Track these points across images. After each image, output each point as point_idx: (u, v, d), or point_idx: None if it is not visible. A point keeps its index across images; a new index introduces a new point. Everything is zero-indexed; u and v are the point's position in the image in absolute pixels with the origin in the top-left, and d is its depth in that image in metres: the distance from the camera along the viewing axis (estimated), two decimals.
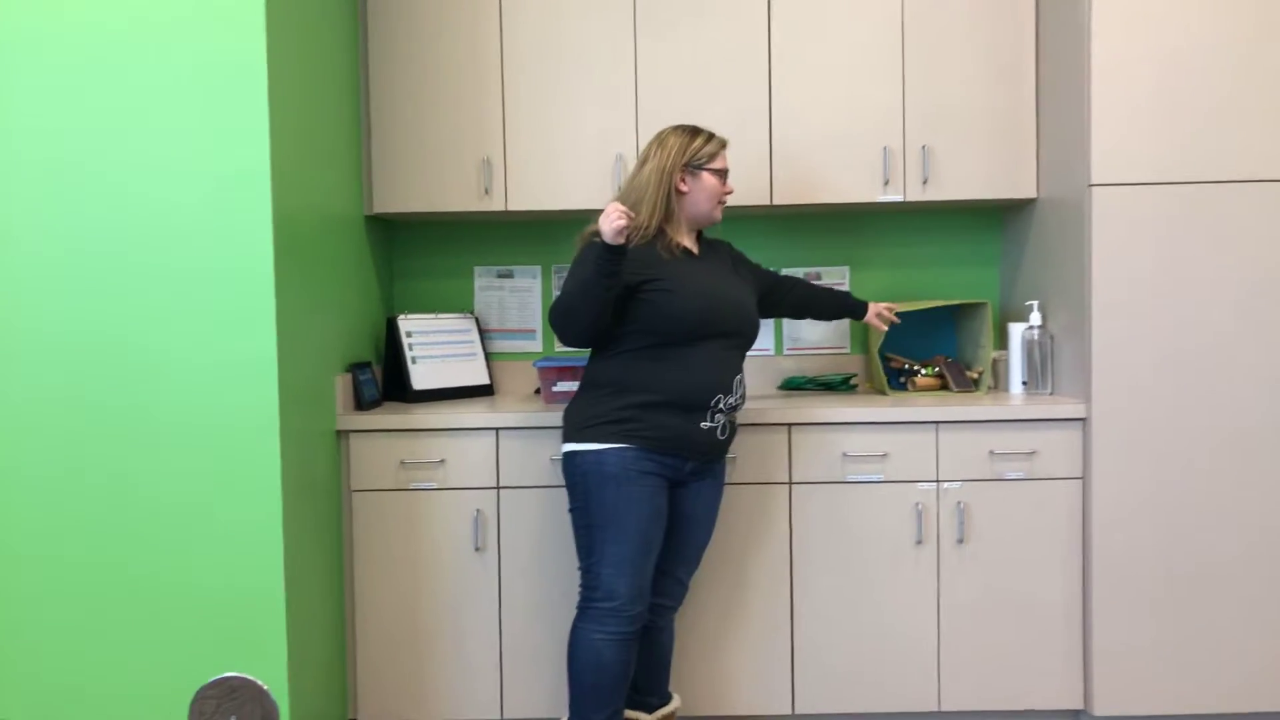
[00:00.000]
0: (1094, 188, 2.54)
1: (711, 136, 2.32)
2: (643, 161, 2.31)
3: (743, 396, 2.33)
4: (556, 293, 3.19)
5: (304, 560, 2.38)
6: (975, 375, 2.89)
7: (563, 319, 2.18)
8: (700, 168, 2.28)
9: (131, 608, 2.25)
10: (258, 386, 2.24)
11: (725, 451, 2.36)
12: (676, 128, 2.32)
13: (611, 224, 2.02)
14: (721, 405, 2.24)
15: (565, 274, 2.24)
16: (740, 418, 2.52)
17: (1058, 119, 2.73)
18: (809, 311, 2.72)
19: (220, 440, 2.24)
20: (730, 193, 2.37)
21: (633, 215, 2.07)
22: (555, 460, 2.60)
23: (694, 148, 2.28)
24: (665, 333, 2.20)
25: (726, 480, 2.49)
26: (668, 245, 2.26)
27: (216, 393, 2.23)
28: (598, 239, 2.09)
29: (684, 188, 2.29)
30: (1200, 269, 2.54)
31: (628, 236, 2.06)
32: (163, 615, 2.26)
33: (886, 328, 2.74)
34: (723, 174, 2.33)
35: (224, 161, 2.21)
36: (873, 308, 2.71)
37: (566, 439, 2.28)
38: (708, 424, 2.23)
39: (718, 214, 2.35)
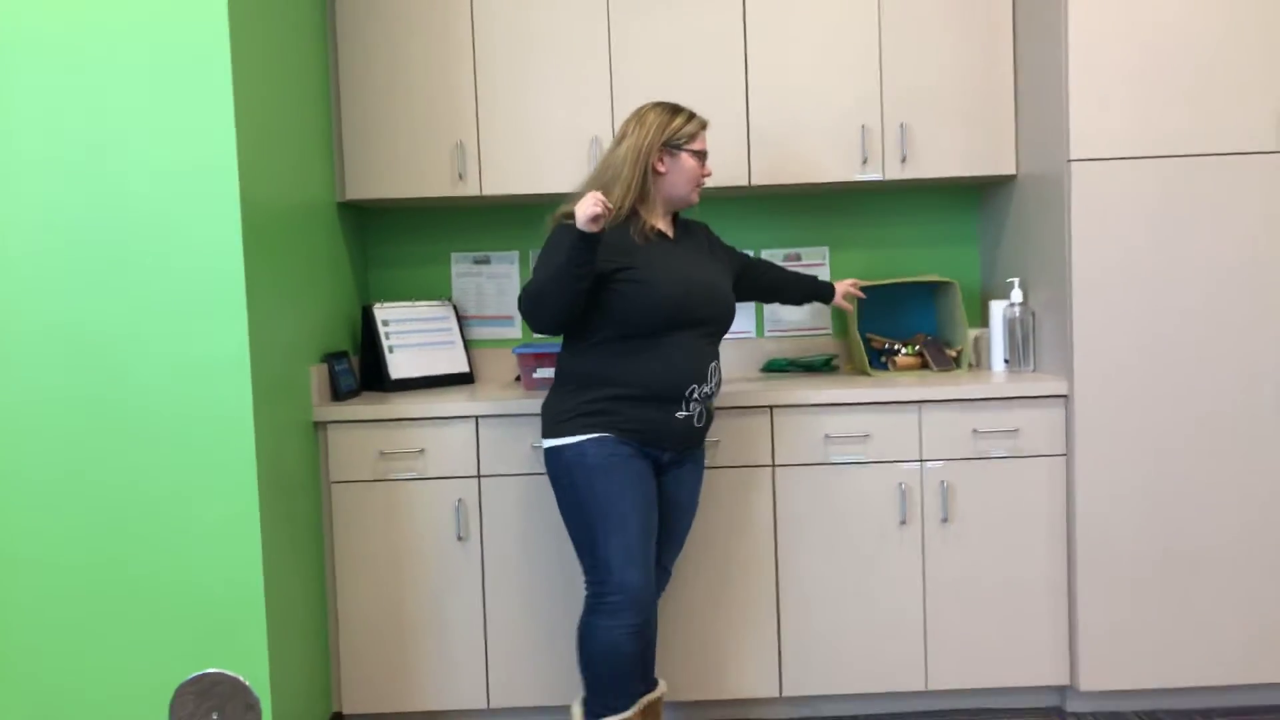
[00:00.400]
0: (1073, 163, 2.52)
1: (692, 116, 2.23)
2: (620, 138, 2.22)
3: (718, 383, 2.28)
4: None
5: (283, 554, 2.35)
6: (955, 354, 2.88)
7: (533, 306, 2.11)
8: (679, 148, 2.21)
9: (109, 605, 2.22)
10: (230, 380, 2.20)
11: (703, 437, 2.33)
12: (656, 104, 2.24)
13: (587, 211, 1.94)
14: (696, 395, 2.19)
15: (539, 260, 2.17)
16: (721, 400, 2.51)
17: (1036, 95, 2.71)
18: (778, 296, 2.66)
19: (194, 435, 2.20)
20: (708, 175, 2.30)
21: (610, 206, 1.99)
22: (537, 447, 2.58)
23: (674, 127, 2.20)
24: (637, 324, 2.14)
25: (709, 464, 2.48)
26: (641, 229, 2.19)
27: (188, 387, 2.19)
28: (570, 222, 2.03)
29: (661, 168, 2.21)
30: (1182, 244, 2.53)
31: (603, 224, 1.99)
32: (141, 613, 2.22)
33: (853, 306, 2.73)
34: (702, 156, 2.25)
35: (189, 151, 2.16)
36: (839, 287, 2.68)
37: (545, 434, 2.23)
38: (683, 413, 2.19)
39: (694, 197, 2.27)
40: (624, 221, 2.18)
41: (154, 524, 2.21)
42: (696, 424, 2.23)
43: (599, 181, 2.19)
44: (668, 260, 2.20)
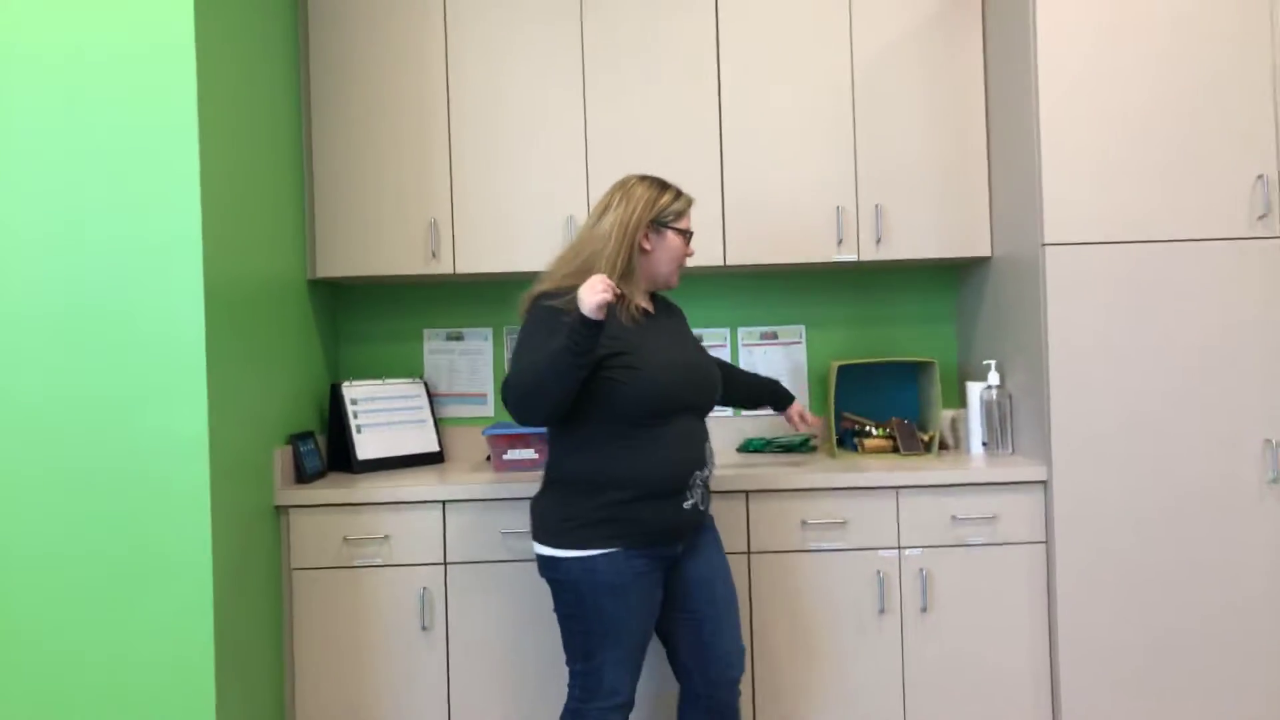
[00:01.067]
0: (1047, 247, 2.52)
1: (680, 194, 2.13)
2: (602, 211, 2.09)
3: (714, 461, 2.16)
4: (509, 355, 3.14)
5: (238, 643, 2.26)
6: (927, 438, 2.85)
7: (525, 399, 1.91)
8: (666, 226, 2.09)
9: (51, 689, 2.12)
10: (187, 462, 2.14)
11: (706, 515, 2.17)
12: (643, 178, 2.12)
13: (596, 297, 1.78)
14: (698, 480, 2.06)
15: (515, 344, 2.03)
16: None
17: (1009, 178, 2.72)
18: (730, 397, 2.51)
19: (147, 520, 2.13)
20: (691, 255, 2.20)
21: (618, 291, 1.87)
22: (506, 533, 2.51)
23: (662, 204, 2.08)
24: (635, 414, 1.98)
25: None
26: (628, 310, 2.04)
27: (143, 469, 2.13)
28: (552, 305, 1.94)
29: (647, 246, 2.08)
30: (1156, 327, 2.52)
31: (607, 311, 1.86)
32: (85, 699, 2.12)
33: (802, 429, 2.75)
34: (687, 235, 2.15)
35: (151, 224, 2.14)
36: (794, 407, 2.55)
37: (541, 541, 2.04)
38: (690, 502, 2.04)
39: (674, 279, 2.16)
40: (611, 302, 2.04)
41: (99, 613, 2.13)
42: (701, 508, 2.09)
43: (579, 256, 2.07)
44: (658, 342, 2.07)
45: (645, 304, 2.14)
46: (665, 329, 2.15)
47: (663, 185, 2.12)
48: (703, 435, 2.10)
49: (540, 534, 2.06)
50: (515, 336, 3.12)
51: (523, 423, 1.96)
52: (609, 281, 1.82)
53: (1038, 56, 2.52)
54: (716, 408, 2.97)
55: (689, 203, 2.16)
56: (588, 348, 1.85)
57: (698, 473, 2.06)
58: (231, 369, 2.28)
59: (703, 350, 2.23)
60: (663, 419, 2.00)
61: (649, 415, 1.99)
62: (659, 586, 2.07)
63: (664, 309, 2.24)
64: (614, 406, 1.97)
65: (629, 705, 2.06)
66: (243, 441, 2.34)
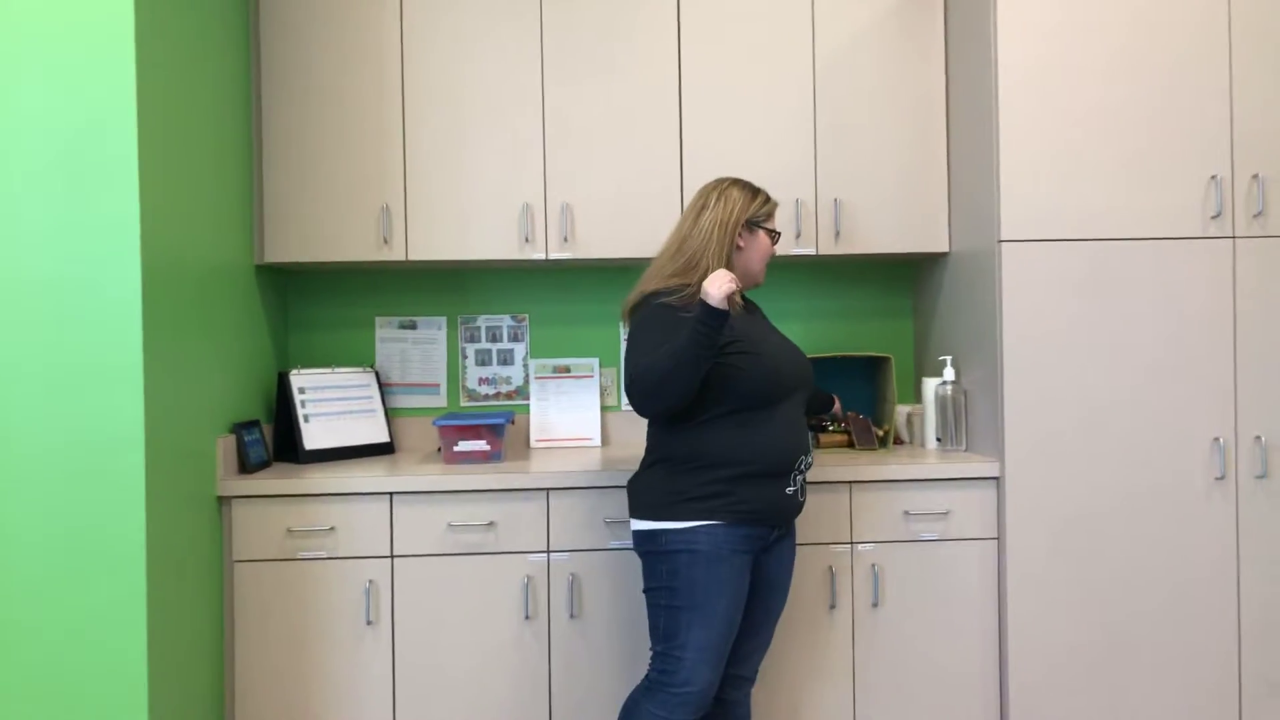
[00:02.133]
0: (1003, 243, 2.52)
1: (769, 197, 2.22)
2: (699, 210, 2.16)
3: (812, 452, 2.21)
4: (466, 344, 3.10)
5: (174, 639, 2.19)
6: (881, 433, 2.84)
7: (655, 390, 1.96)
8: (759, 225, 2.19)
9: None
10: (122, 450, 2.07)
11: (800, 511, 2.21)
12: (736, 181, 2.19)
13: (723, 288, 1.88)
14: (802, 465, 2.12)
15: (631, 341, 2.05)
16: None
17: (967, 175, 2.71)
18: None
19: (82, 507, 2.06)
20: (774, 255, 2.27)
21: (739, 283, 1.98)
22: (454, 526, 2.46)
23: (757, 205, 2.18)
24: (747, 396, 2.04)
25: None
26: (733, 303, 2.11)
27: (77, 456, 2.06)
28: (670, 302, 2.02)
29: (741, 244, 2.17)
30: (1110, 325, 2.53)
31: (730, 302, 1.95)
32: (12, 695, 2.05)
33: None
34: (775, 235, 2.23)
35: (89, 207, 2.06)
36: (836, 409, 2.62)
37: (642, 515, 2.09)
38: (792, 489, 2.10)
39: (763, 276, 2.24)
40: None
41: (28, 608, 2.05)
42: (800, 498, 2.15)
43: (683, 255, 2.13)
44: (762, 331, 2.16)
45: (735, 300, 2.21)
46: (761, 321, 2.26)
47: (754, 188, 2.21)
48: (804, 423, 2.18)
49: (642, 509, 2.11)
50: (472, 324, 3.09)
51: (649, 414, 2.03)
52: (731, 274, 1.91)
53: (997, 54, 2.52)
54: None
55: (776, 205, 2.25)
56: (715, 338, 1.92)
57: (803, 457, 2.12)
58: (171, 355, 2.21)
59: (788, 339, 2.30)
60: (774, 402, 2.08)
61: (764, 399, 2.06)
62: (748, 574, 2.10)
63: (753, 306, 2.34)
64: (732, 390, 2.04)
65: (701, 703, 2.05)
66: (183, 430, 2.27)
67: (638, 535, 2.12)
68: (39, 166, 2.05)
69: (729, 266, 2.14)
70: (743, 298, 2.27)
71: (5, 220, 2.05)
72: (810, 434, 2.16)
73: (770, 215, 2.22)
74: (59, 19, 2.05)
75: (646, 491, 2.12)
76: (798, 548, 2.51)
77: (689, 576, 2.03)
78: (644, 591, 2.13)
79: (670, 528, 2.06)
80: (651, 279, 2.14)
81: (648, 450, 2.17)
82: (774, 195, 2.78)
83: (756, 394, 2.05)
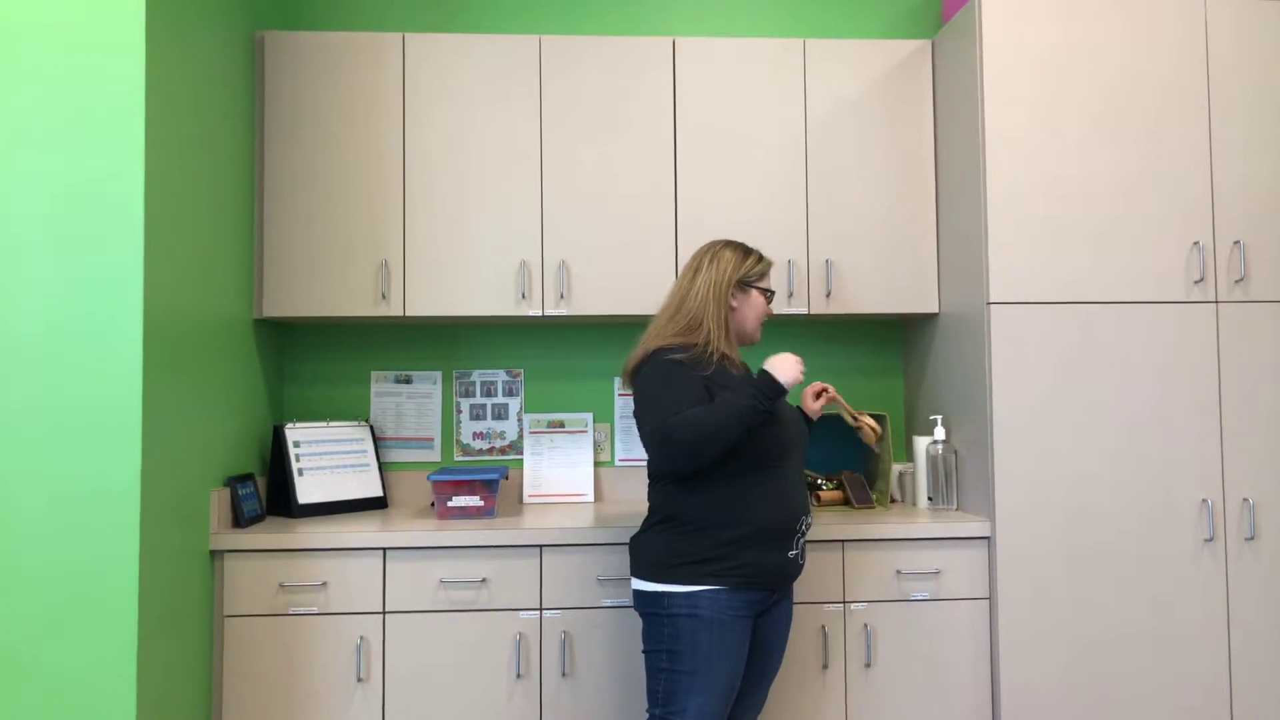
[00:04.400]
0: (992, 305, 2.56)
1: (761, 257, 2.26)
2: (694, 272, 2.21)
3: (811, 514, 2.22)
4: (461, 399, 3.12)
5: (163, 694, 2.18)
6: (877, 495, 2.86)
7: (692, 449, 1.97)
8: (751, 285, 2.22)
9: None
10: (118, 503, 2.08)
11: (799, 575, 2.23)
12: (729, 243, 2.24)
13: (793, 373, 2.02)
14: (803, 527, 2.12)
15: (641, 396, 2.08)
16: None
17: (956, 238, 2.77)
18: None
19: (75, 560, 2.06)
20: (770, 314, 2.29)
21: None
22: (447, 583, 2.46)
23: (748, 265, 2.22)
24: (751, 456, 2.06)
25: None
26: (734, 363, 2.16)
27: (72, 508, 2.06)
28: (677, 359, 2.07)
29: (734, 304, 2.21)
30: (1096, 387, 2.57)
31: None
32: None
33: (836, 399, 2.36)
34: (769, 294, 2.26)
35: (93, 261, 2.09)
36: (808, 396, 2.36)
37: (644, 576, 2.09)
38: (794, 551, 2.10)
39: (758, 334, 2.27)
40: (714, 356, 2.13)
41: (19, 658, 2.04)
42: (800, 561, 2.15)
43: (683, 314, 2.18)
44: None
45: (736, 360, 2.23)
46: None
47: (746, 249, 2.26)
48: (803, 483, 2.19)
49: (644, 570, 2.11)
50: (468, 379, 3.11)
51: (676, 470, 2.02)
52: (800, 360, 2.05)
53: (984, 123, 2.59)
54: None
55: (769, 265, 2.29)
56: (769, 413, 2.01)
57: (803, 518, 2.13)
58: (169, 408, 2.23)
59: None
60: (777, 463, 2.10)
61: (769, 459, 2.08)
62: (749, 638, 2.09)
63: (745, 365, 2.34)
64: (740, 451, 2.06)
65: None
66: (178, 483, 2.27)
67: (639, 595, 2.12)
68: (45, 217, 2.08)
69: (725, 326, 2.18)
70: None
71: (9, 270, 2.07)
72: (809, 494, 2.18)
73: (763, 275, 2.25)
74: (71, 71, 2.10)
75: (649, 551, 2.11)
76: (794, 607, 2.51)
77: (691, 641, 2.02)
78: (644, 653, 2.12)
79: (673, 590, 2.05)
80: (653, 338, 2.16)
81: (651, 509, 2.16)
82: (767, 255, 2.84)
83: (763, 454, 2.07)
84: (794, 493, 2.11)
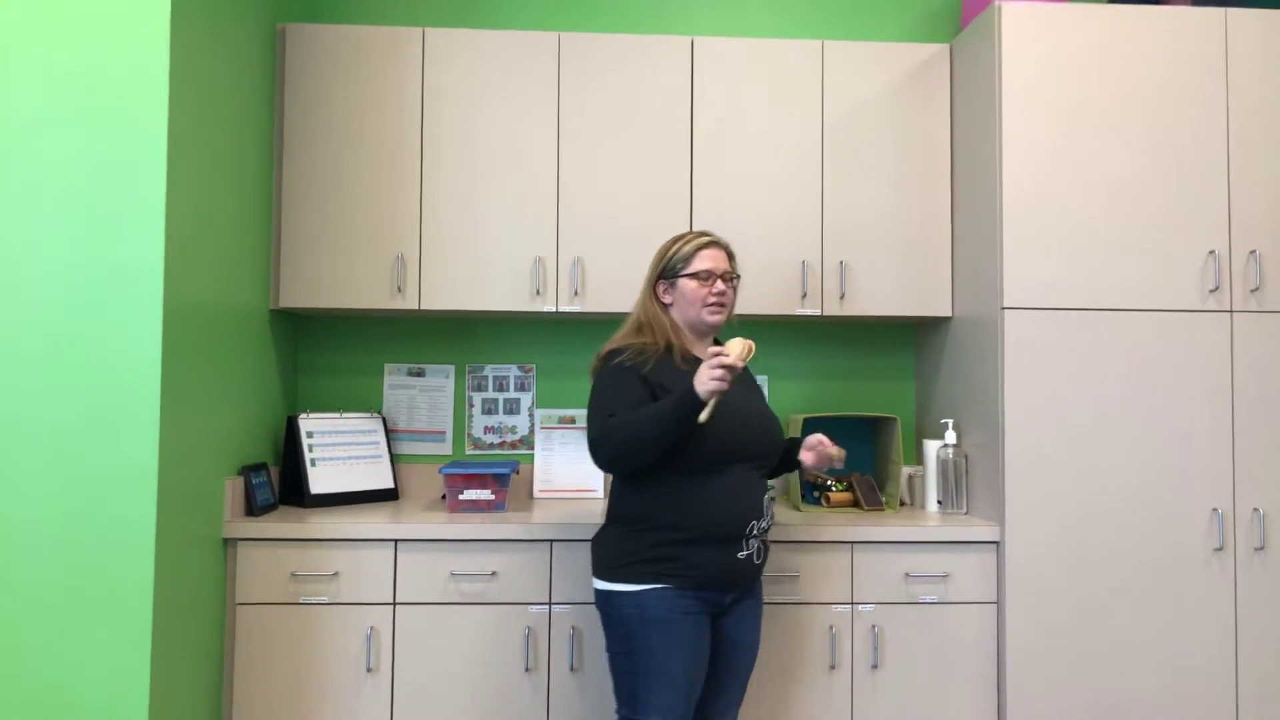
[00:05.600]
0: (1006, 310, 2.57)
1: (692, 238, 2.18)
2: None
3: (772, 516, 2.17)
4: (472, 393, 3.13)
5: (176, 679, 2.20)
6: (886, 498, 2.86)
7: (625, 454, 1.98)
8: (676, 275, 2.17)
9: None
10: (136, 489, 2.10)
11: (761, 573, 2.20)
12: (675, 236, 2.22)
13: (710, 385, 1.87)
14: (755, 530, 2.08)
15: (591, 399, 2.10)
16: None
17: (971, 241, 2.77)
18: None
19: (92, 545, 2.08)
20: (720, 293, 2.16)
21: (725, 376, 1.88)
22: (457, 575, 2.48)
23: (667, 256, 2.18)
24: (695, 458, 2.03)
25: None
26: (683, 357, 2.13)
27: (91, 494, 2.08)
28: (620, 361, 2.07)
29: (667, 299, 2.19)
30: (1108, 394, 2.57)
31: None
32: None
33: (825, 466, 2.24)
34: (702, 275, 2.15)
35: (114, 250, 2.11)
36: (809, 441, 2.25)
37: (599, 575, 2.10)
38: (744, 552, 2.07)
39: (709, 317, 2.16)
40: (666, 354, 2.12)
41: (35, 642, 2.06)
42: (756, 561, 2.11)
43: (634, 312, 2.21)
44: (724, 395, 2.04)
45: (701, 354, 2.19)
46: (734, 384, 2.13)
47: (677, 237, 2.22)
48: (763, 487, 2.14)
49: (598, 569, 2.12)
50: (479, 374, 3.12)
51: (615, 470, 2.04)
52: (725, 369, 1.87)
53: (1002, 129, 2.59)
54: None
55: (700, 244, 2.18)
56: (692, 421, 1.92)
57: (755, 522, 2.08)
58: (187, 396, 2.24)
59: (764, 402, 2.26)
60: (723, 465, 2.06)
61: (711, 459, 2.04)
62: (707, 633, 2.08)
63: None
64: (680, 453, 2.02)
65: None
66: (194, 471, 2.29)
67: (596, 594, 2.13)
68: (68, 206, 2.10)
69: (671, 323, 2.17)
70: (716, 341, 2.27)
71: (31, 258, 2.09)
72: (766, 497, 2.12)
73: (689, 258, 2.16)
74: (94, 64, 2.11)
75: (603, 550, 2.12)
76: (801, 606, 2.53)
77: (644, 640, 2.02)
78: (607, 652, 2.12)
79: (622, 589, 2.05)
80: (613, 340, 2.17)
81: (608, 506, 2.17)
82: (781, 256, 2.85)
83: (707, 456, 2.03)
84: (742, 496, 2.07)
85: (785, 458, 2.31)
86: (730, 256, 2.23)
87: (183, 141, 2.20)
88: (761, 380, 3.20)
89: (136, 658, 2.08)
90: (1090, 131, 2.61)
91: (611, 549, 2.10)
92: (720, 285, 2.17)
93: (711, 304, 2.16)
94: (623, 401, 2.04)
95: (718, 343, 2.26)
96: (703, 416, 1.90)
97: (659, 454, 1.98)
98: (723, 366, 1.87)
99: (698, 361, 2.13)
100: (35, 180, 2.10)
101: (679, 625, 2.02)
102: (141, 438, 2.10)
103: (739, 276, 2.26)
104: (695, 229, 2.28)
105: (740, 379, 2.20)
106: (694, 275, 2.16)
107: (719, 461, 2.05)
